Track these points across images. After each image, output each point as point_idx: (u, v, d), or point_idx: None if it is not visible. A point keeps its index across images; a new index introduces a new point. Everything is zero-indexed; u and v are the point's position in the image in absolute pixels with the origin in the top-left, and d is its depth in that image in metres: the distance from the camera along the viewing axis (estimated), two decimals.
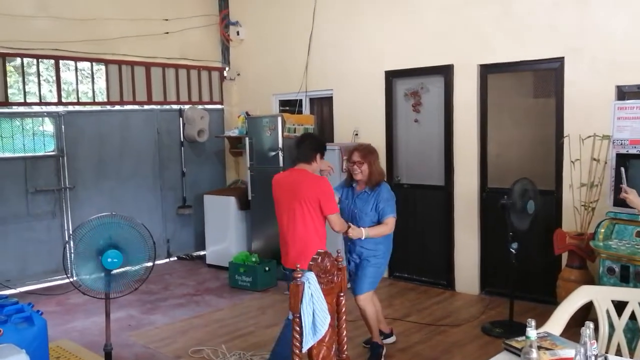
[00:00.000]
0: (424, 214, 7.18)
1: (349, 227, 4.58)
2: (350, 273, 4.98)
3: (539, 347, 2.55)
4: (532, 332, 2.35)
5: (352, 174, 4.85)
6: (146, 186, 8.65)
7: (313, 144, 4.56)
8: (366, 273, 4.84)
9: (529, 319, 2.37)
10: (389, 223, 4.77)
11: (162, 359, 5.25)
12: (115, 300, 4.30)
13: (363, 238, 4.68)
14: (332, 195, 4.42)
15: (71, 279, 3.92)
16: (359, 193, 4.86)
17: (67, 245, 3.92)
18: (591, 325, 2.34)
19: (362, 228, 4.66)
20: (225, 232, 8.14)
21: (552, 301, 5.76)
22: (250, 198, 7.92)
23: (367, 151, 4.85)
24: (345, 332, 3.16)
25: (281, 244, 4.54)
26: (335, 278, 3.09)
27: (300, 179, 4.41)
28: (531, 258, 6.14)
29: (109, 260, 3.80)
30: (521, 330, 5.09)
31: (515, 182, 5.53)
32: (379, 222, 4.78)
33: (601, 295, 3.30)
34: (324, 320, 2.88)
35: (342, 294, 3.15)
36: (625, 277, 4.61)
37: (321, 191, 4.33)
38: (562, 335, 3.00)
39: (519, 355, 2.55)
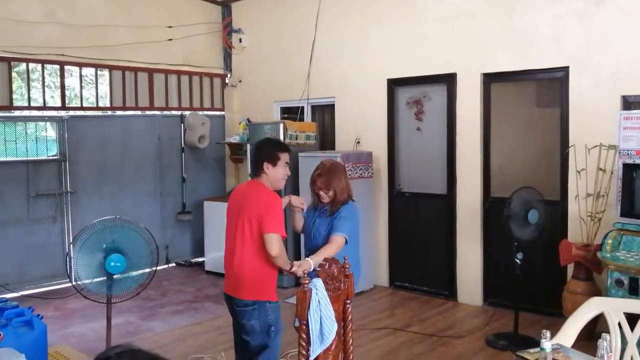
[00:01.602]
0: (426, 223, 7.13)
1: (291, 267, 3.68)
2: None
3: None
4: (547, 344, 2.30)
5: (319, 199, 4.22)
6: (146, 191, 8.60)
7: (259, 152, 3.85)
8: None
9: (544, 330, 2.32)
10: (335, 241, 3.94)
11: None
12: (114, 306, 4.23)
13: (311, 269, 3.62)
14: (277, 213, 3.66)
15: (73, 283, 3.86)
16: (320, 209, 4.23)
17: (70, 249, 3.86)
18: (608, 337, 2.29)
19: (308, 259, 3.79)
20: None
21: (557, 313, 5.71)
22: None
23: (331, 174, 4.16)
24: (351, 340, 3.11)
25: (225, 267, 3.88)
26: (342, 285, 3.05)
27: (250, 196, 3.73)
28: (536, 269, 6.08)
29: (112, 264, 3.75)
30: (526, 342, 5.10)
31: (516, 191, 5.48)
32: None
33: (612, 308, 3.25)
34: (331, 328, 2.83)
35: (348, 302, 3.10)
36: (634, 290, 4.55)
37: (264, 206, 3.63)
38: (571, 347, 2.94)
39: None
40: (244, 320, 3.66)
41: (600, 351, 2.24)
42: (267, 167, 3.76)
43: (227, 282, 3.80)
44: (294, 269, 3.64)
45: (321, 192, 4.15)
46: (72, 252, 3.83)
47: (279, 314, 3.71)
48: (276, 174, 3.80)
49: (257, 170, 3.81)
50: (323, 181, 4.12)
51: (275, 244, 3.54)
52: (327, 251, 3.81)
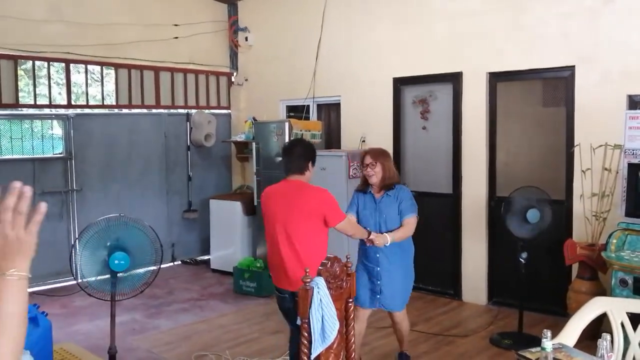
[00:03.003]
0: (431, 222, 7.07)
1: (369, 234, 4.27)
2: (377, 287, 4.62)
3: (554, 359, 2.49)
4: (547, 344, 2.30)
5: (367, 178, 4.58)
6: (152, 190, 8.63)
7: (304, 151, 4.09)
8: (398, 287, 4.61)
9: (545, 330, 2.32)
10: (410, 223, 4.46)
11: None
12: (120, 304, 4.26)
13: (389, 244, 4.34)
14: (336, 204, 4.02)
15: (77, 281, 3.88)
16: (380, 199, 4.55)
17: (74, 246, 3.88)
18: (608, 337, 2.29)
19: (385, 234, 4.34)
20: (231, 237, 8.09)
21: (561, 312, 5.71)
22: (256, 203, 7.87)
23: (379, 152, 4.61)
24: (353, 339, 3.11)
25: (274, 265, 4.07)
26: (344, 284, 3.05)
27: (297, 192, 3.96)
28: (541, 268, 6.07)
29: (116, 262, 3.77)
30: (531, 341, 5.07)
31: (515, 190, 5.48)
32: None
33: (616, 307, 3.24)
34: (333, 327, 2.83)
35: (350, 300, 3.11)
36: (638, 289, 4.53)
37: (324, 203, 3.92)
38: (574, 347, 2.94)
39: None
40: None
41: (601, 351, 2.24)
42: (310, 166, 4.10)
43: (284, 277, 3.95)
44: (371, 237, 4.25)
45: (368, 169, 4.52)
46: (76, 250, 3.85)
47: None
48: (312, 174, 4.15)
49: (301, 169, 4.05)
50: (371, 156, 4.55)
51: (348, 227, 4.10)
52: (405, 232, 4.45)
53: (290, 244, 3.88)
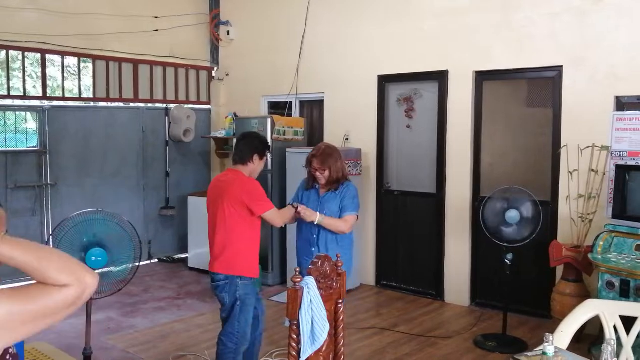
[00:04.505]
0: (414, 222, 7.04)
1: (296, 209, 4.22)
2: None
3: None
4: (549, 348, 2.21)
5: (316, 180, 4.47)
6: (129, 185, 8.43)
7: (251, 143, 4.26)
8: None
9: (547, 334, 2.23)
10: (348, 220, 4.35)
11: None
12: (95, 302, 4.11)
13: (316, 222, 4.23)
14: (261, 195, 4.10)
15: None
16: (324, 194, 4.44)
17: (48, 242, 3.72)
18: (612, 342, 2.20)
19: (317, 212, 4.26)
20: None
21: (545, 314, 5.67)
22: None
23: (326, 155, 4.39)
24: (343, 341, 2.99)
25: (209, 246, 4.30)
26: (334, 284, 2.93)
27: (230, 180, 4.13)
28: (525, 270, 6.01)
29: (93, 259, 3.61)
30: (515, 343, 5.03)
31: (496, 191, 5.43)
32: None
33: (608, 310, 3.17)
34: (323, 329, 2.71)
35: (340, 301, 2.99)
36: (625, 292, 4.49)
37: (246, 192, 4.04)
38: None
39: None
40: (217, 293, 4.11)
41: (605, 356, 2.16)
42: (256, 158, 4.21)
43: (210, 258, 4.18)
44: (300, 208, 4.21)
45: (317, 174, 4.39)
46: (51, 246, 3.69)
47: (249, 290, 4.10)
48: (259, 166, 4.29)
49: (245, 159, 4.19)
50: (318, 162, 4.38)
51: (275, 217, 4.16)
52: (339, 224, 4.31)
53: (214, 229, 4.10)
